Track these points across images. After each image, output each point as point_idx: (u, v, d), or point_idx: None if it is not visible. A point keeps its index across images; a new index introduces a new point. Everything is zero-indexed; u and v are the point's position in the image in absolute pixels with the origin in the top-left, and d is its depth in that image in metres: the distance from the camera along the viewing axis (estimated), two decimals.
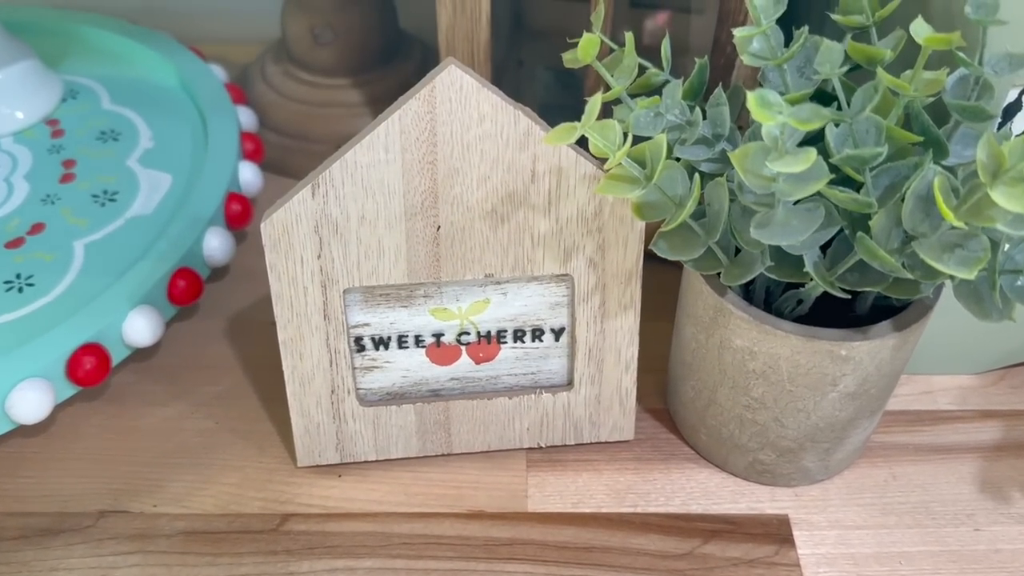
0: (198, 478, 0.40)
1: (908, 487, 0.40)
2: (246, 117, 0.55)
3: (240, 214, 0.48)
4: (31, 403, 0.38)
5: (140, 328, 0.42)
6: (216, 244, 0.46)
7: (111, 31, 0.61)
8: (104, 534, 0.38)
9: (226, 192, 0.48)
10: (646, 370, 0.43)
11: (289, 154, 0.57)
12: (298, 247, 0.35)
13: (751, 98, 0.27)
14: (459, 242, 0.36)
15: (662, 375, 0.45)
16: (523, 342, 0.39)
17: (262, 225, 0.34)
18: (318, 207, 0.34)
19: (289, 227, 0.34)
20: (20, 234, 0.47)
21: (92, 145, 0.53)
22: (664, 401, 0.44)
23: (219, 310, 0.48)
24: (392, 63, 0.60)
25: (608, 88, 0.35)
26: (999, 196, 0.25)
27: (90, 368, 0.40)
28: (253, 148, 0.53)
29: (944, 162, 0.32)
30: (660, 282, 0.45)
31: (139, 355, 0.46)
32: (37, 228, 0.47)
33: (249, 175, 0.51)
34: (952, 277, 0.31)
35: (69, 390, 0.41)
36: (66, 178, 0.51)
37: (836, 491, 0.40)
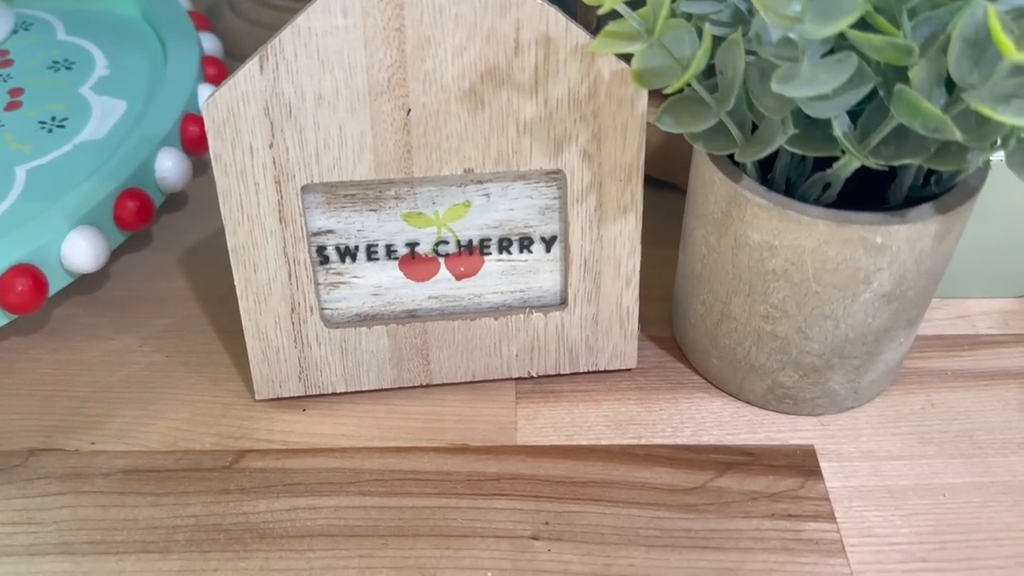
0: (143, 413, 0.36)
1: (949, 415, 0.35)
2: (210, 43, 0.51)
3: (199, 137, 0.44)
4: None
5: (81, 250, 0.37)
6: (170, 165, 0.41)
7: None
8: (33, 474, 0.33)
9: (183, 113, 0.44)
10: (650, 298, 0.38)
11: None
12: (246, 133, 0.30)
13: None
14: (433, 129, 0.31)
15: (667, 303, 0.40)
16: (510, 253, 0.35)
17: (203, 106, 0.30)
18: (267, 84, 0.30)
19: (235, 109, 0.30)
20: None
21: (42, 74, 0.48)
22: (670, 329, 0.39)
23: (175, 242, 0.44)
24: None
25: None
26: None
27: (22, 291, 0.36)
28: (216, 72, 0.48)
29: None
30: (664, 207, 0.41)
31: (85, 286, 0.41)
32: None
33: None
34: (1006, 140, 0.27)
35: (1, 319, 0.36)
36: (11, 106, 0.46)
37: (867, 420, 0.35)
